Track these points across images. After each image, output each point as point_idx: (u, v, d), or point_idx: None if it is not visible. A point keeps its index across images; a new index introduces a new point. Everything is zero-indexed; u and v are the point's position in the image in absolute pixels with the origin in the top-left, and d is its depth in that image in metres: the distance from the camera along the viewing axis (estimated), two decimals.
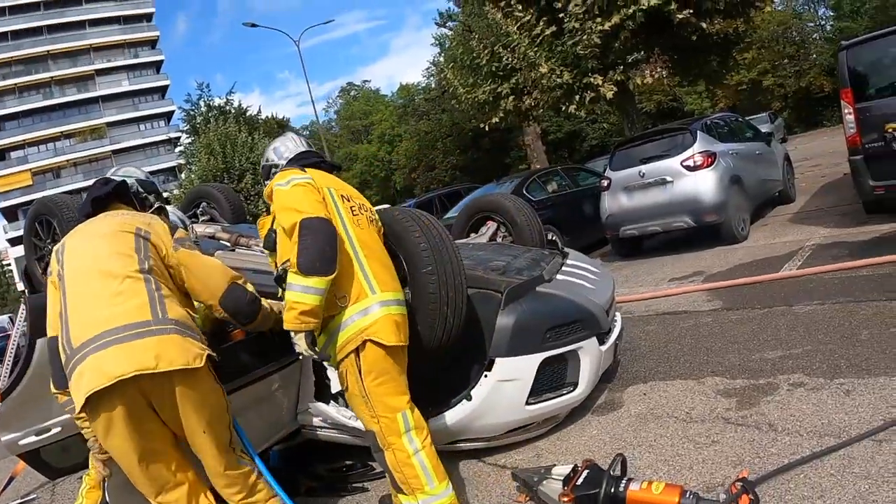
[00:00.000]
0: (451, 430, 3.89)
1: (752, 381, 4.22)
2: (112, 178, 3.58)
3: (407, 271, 3.50)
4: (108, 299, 2.85)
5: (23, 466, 6.29)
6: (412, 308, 3.45)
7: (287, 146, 3.75)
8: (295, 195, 3.18)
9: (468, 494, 3.72)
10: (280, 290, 3.32)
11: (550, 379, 3.97)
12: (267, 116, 53.68)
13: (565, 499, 3.07)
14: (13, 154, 67.49)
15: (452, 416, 3.83)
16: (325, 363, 3.51)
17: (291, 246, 3.08)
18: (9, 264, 63.99)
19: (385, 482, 4.07)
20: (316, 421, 4.28)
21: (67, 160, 68.12)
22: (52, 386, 3.03)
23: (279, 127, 51.65)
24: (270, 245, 3.59)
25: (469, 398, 3.78)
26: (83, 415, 2.91)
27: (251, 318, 3.31)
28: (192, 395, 2.87)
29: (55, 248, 3.17)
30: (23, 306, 5.47)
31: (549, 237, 5.58)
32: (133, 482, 2.95)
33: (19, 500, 6.52)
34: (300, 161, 3.56)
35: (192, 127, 43.82)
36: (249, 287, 3.33)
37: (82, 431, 3.09)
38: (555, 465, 3.39)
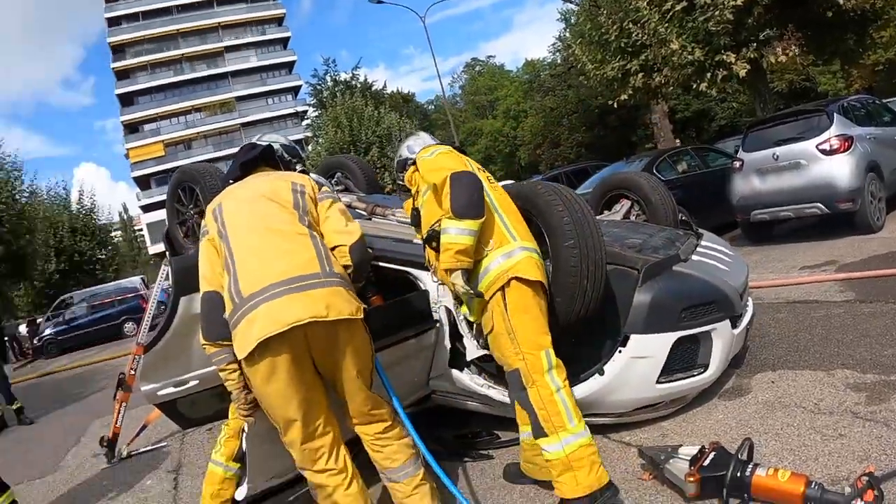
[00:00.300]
0: (581, 404, 3.81)
1: (884, 377, 4.05)
2: (258, 143, 3.74)
3: (549, 244, 3.55)
4: (278, 253, 3.07)
5: (156, 416, 6.67)
6: (552, 280, 3.51)
7: (417, 143, 4.10)
8: (441, 158, 3.55)
9: None
10: (427, 251, 3.63)
11: (682, 359, 3.93)
12: (392, 91, 54.53)
13: (691, 479, 3.05)
14: (146, 127, 71.37)
15: (583, 389, 3.83)
16: (468, 317, 3.65)
17: (443, 199, 3.38)
18: (141, 229, 67.53)
19: (511, 451, 4.18)
20: (448, 387, 4.37)
21: (198, 132, 71.47)
22: (201, 338, 3.19)
23: (404, 101, 52.43)
24: (416, 222, 3.84)
25: (601, 373, 3.77)
26: (231, 366, 3.13)
27: (365, 276, 3.49)
28: (352, 342, 3.10)
29: (210, 208, 3.36)
30: (164, 267, 5.76)
31: (681, 217, 5.48)
32: (282, 429, 3.14)
33: (151, 447, 6.94)
34: None
35: (319, 101, 45.06)
36: (370, 250, 3.52)
37: (227, 382, 3.22)
38: (681, 445, 3.37)
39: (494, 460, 4.22)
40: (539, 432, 3.24)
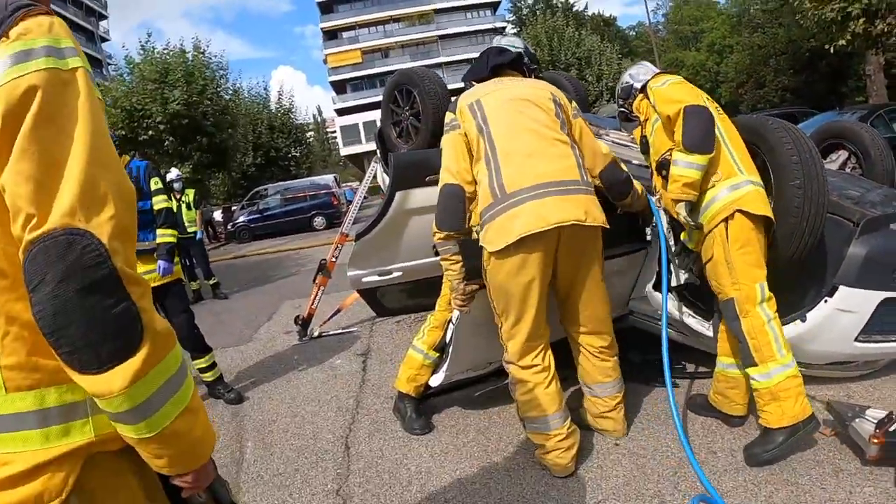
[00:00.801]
0: None
1: None
2: (507, 48, 3.87)
3: (773, 181, 3.52)
4: (545, 156, 3.27)
5: (350, 301, 7.15)
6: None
7: (641, 71, 4.17)
8: (674, 89, 3.57)
9: None
10: (655, 177, 3.80)
11: (884, 321, 3.74)
12: (593, 13, 53.41)
13: (875, 441, 3.01)
14: (345, 34, 73.12)
15: None
16: (688, 244, 3.74)
17: (675, 130, 3.43)
18: (334, 132, 70.02)
19: (697, 383, 4.29)
20: (646, 310, 4.43)
21: (395, 42, 72.56)
22: (434, 226, 3.42)
23: (605, 24, 51.25)
24: (645, 150, 4.03)
25: (804, 319, 3.71)
26: (456, 257, 3.39)
27: (623, 195, 3.68)
28: (598, 249, 3.39)
29: (464, 103, 3.53)
30: (372, 165, 6.06)
31: None
32: (512, 321, 3.39)
33: (341, 330, 7.40)
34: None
35: (518, 18, 44.99)
36: (624, 168, 3.66)
37: (448, 272, 3.47)
38: (870, 406, 3.33)
39: (679, 389, 4.26)
40: (749, 361, 3.35)
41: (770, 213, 3.36)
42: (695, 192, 3.42)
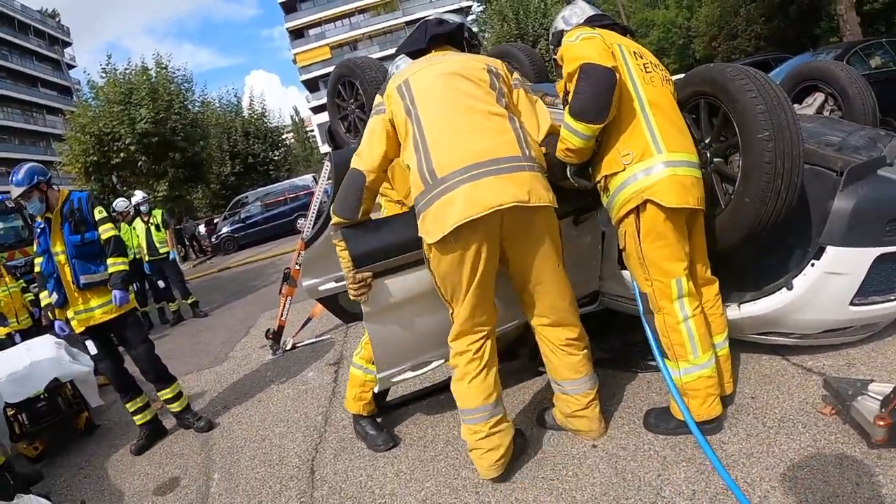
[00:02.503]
0: (763, 320, 3.55)
1: None
2: (446, 19, 3.54)
3: (739, 136, 3.12)
4: (478, 133, 2.95)
5: (320, 310, 6.88)
6: (742, 178, 3.13)
7: (576, 12, 3.62)
8: (583, 45, 3.08)
9: (767, 394, 3.43)
10: None
11: (881, 280, 3.41)
12: None
13: (881, 423, 2.68)
14: (311, 31, 72.98)
15: (767, 304, 3.46)
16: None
17: (570, 90, 3.08)
18: (312, 130, 69.93)
19: None
20: (618, 290, 4.10)
21: (362, 33, 72.31)
22: (332, 209, 3.20)
23: None
24: (566, 102, 3.49)
25: (790, 287, 3.37)
26: (341, 242, 3.15)
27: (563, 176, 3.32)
28: (550, 230, 3.07)
29: (393, 84, 3.21)
30: (327, 163, 5.78)
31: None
32: (458, 304, 3.10)
33: (315, 339, 7.18)
34: (591, 23, 3.42)
35: None
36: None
37: (340, 259, 3.21)
38: (873, 380, 2.96)
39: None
40: (662, 353, 3.23)
41: (686, 203, 3.00)
42: (577, 159, 3.14)
